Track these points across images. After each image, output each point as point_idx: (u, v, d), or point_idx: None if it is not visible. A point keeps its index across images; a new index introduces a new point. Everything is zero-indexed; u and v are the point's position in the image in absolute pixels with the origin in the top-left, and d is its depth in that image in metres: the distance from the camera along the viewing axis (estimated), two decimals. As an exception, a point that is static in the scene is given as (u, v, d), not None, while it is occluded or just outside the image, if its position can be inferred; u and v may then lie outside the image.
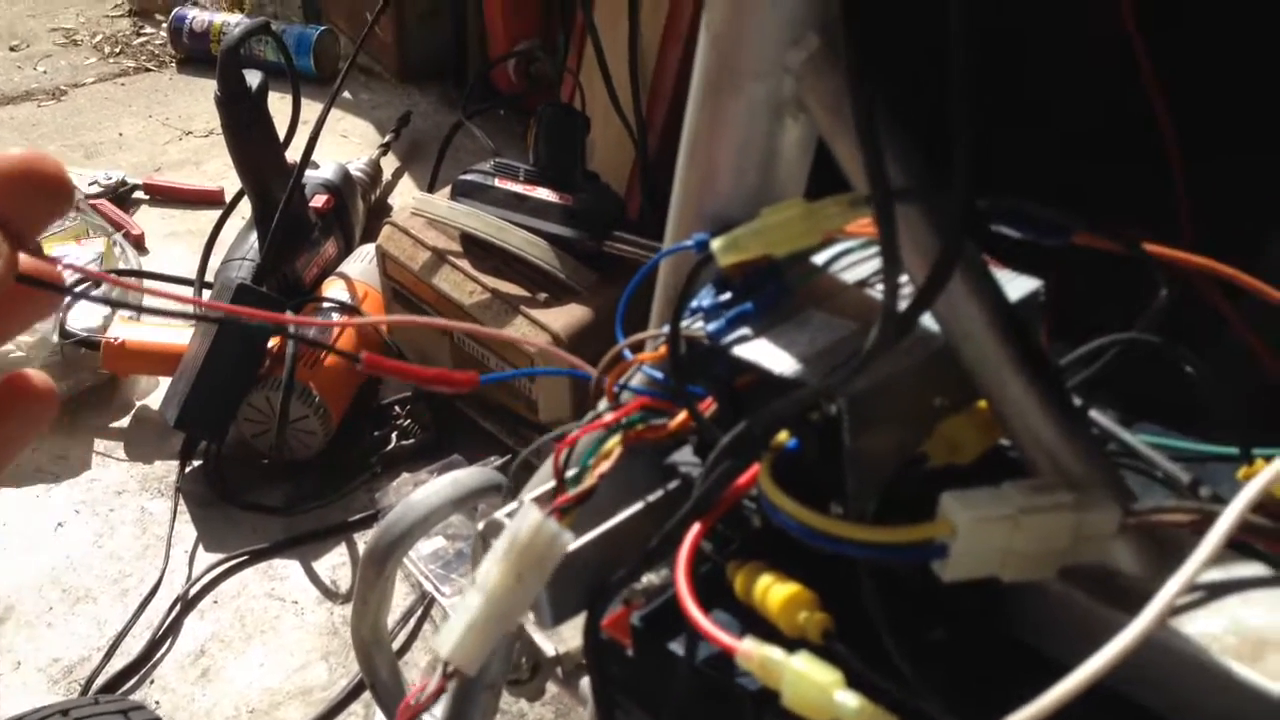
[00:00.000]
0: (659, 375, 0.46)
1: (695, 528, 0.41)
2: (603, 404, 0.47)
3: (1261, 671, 0.35)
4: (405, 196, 1.75)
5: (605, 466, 0.43)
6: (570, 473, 0.43)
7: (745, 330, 0.45)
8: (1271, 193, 1.18)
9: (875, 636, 0.40)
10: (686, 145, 0.48)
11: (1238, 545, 0.40)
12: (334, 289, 1.38)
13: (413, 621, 1.12)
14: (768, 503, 0.39)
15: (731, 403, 0.45)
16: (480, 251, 1.26)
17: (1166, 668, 0.37)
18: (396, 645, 1.08)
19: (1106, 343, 0.48)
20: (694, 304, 0.46)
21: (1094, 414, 0.48)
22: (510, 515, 0.45)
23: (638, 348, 0.47)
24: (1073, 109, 1.51)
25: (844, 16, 0.30)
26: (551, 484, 0.44)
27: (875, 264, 0.48)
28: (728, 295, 0.46)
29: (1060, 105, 1.50)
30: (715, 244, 0.43)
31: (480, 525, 0.46)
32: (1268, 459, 0.47)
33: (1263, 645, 0.36)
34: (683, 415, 0.44)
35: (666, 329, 0.45)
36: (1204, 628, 0.37)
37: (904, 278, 0.47)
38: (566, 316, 1.20)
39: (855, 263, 0.48)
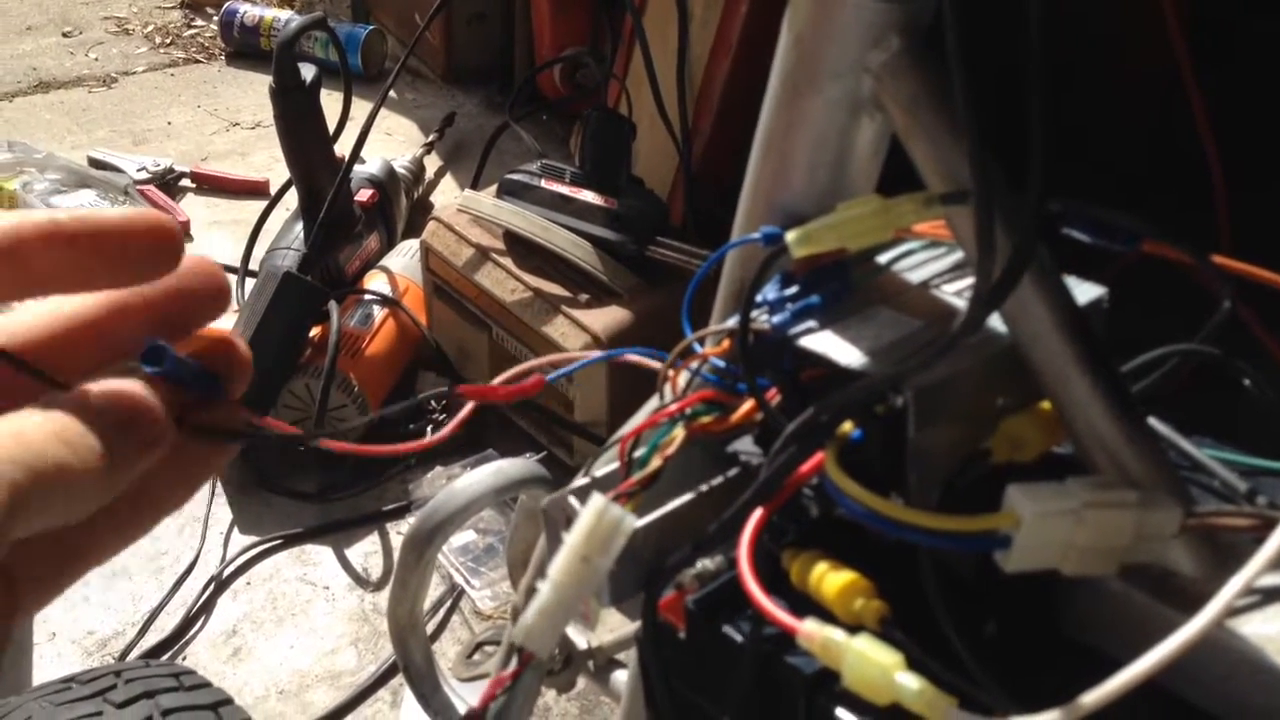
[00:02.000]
0: (723, 367, 0.47)
1: (758, 512, 0.42)
2: (668, 394, 0.48)
3: (1318, 674, 0.36)
4: (447, 195, 1.77)
5: (669, 453, 0.43)
6: (638, 455, 0.44)
7: (811, 323, 0.46)
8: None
9: (929, 629, 0.41)
10: (761, 140, 0.49)
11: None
12: (376, 282, 1.40)
13: (441, 612, 1.13)
14: (834, 488, 0.40)
15: (797, 394, 0.45)
16: (523, 250, 1.27)
17: (1222, 668, 0.38)
18: (427, 632, 1.09)
19: (1166, 353, 0.49)
20: (759, 298, 0.47)
21: (1152, 421, 0.48)
22: (574, 493, 0.46)
23: (701, 342, 0.48)
24: (1115, 139, 1.51)
25: (953, 15, 0.31)
26: (614, 466, 0.45)
27: (940, 265, 0.49)
28: (793, 289, 0.47)
29: (1102, 135, 1.51)
30: (790, 236, 0.44)
31: (544, 503, 0.47)
32: (1321, 474, 0.48)
33: (1320, 649, 0.37)
34: (746, 406, 0.45)
35: (732, 322, 0.46)
36: (1260, 630, 0.38)
37: (970, 279, 0.48)
38: (607, 318, 1.21)
39: (920, 263, 0.49)
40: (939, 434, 0.43)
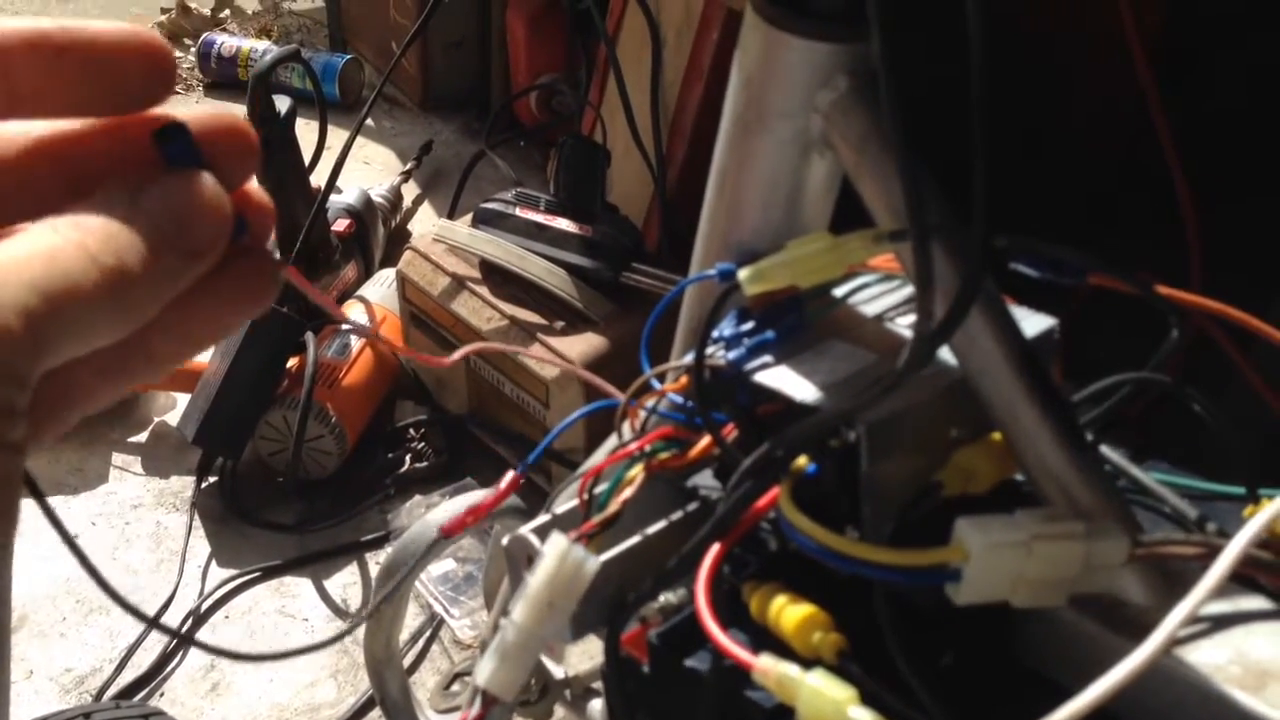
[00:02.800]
0: (681, 403, 0.48)
1: (716, 547, 0.43)
2: (626, 432, 0.48)
3: (1264, 701, 0.36)
4: (425, 223, 1.77)
5: (628, 493, 0.44)
6: (598, 492, 0.44)
7: (766, 359, 0.47)
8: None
9: (887, 660, 0.41)
10: (715, 178, 0.50)
11: (1243, 580, 0.42)
12: (353, 312, 1.40)
13: (421, 642, 1.13)
14: (787, 524, 0.40)
15: (753, 429, 0.46)
16: (499, 279, 1.27)
17: (1172, 696, 0.39)
18: (405, 665, 1.09)
19: (1117, 381, 0.50)
20: (716, 333, 0.48)
21: (1105, 450, 0.49)
22: (535, 531, 0.46)
23: (660, 378, 0.48)
24: (1084, 155, 1.53)
25: (884, 58, 0.32)
26: (574, 504, 0.45)
27: (893, 298, 0.50)
28: (749, 325, 0.47)
29: (1071, 152, 1.52)
30: (743, 274, 0.44)
31: (505, 541, 0.47)
32: (1272, 499, 0.48)
33: (1265, 675, 0.37)
34: (704, 443, 0.45)
35: (689, 358, 0.47)
36: (1209, 658, 0.38)
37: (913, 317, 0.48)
38: (583, 345, 1.22)
39: (874, 297, 0.50)
40: (893, 466, 0.44)
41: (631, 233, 1.30)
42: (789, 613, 0.43)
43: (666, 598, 0.49)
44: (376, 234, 1.60)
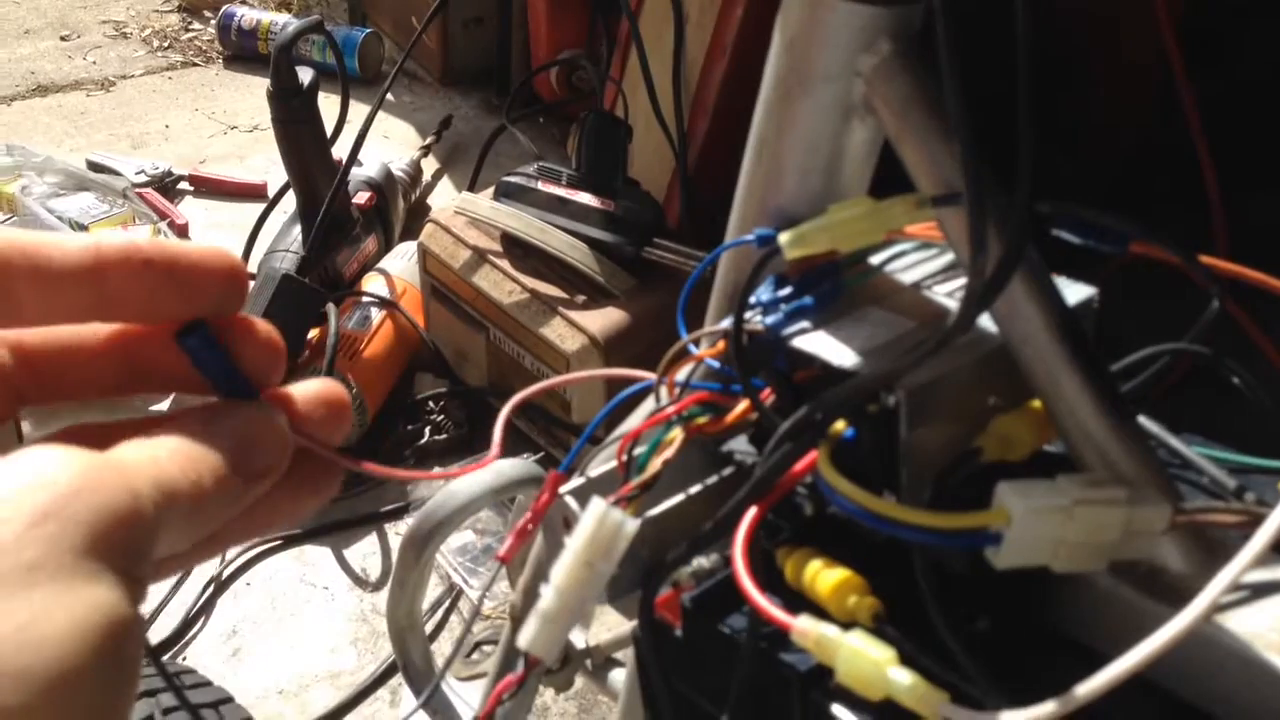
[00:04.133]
0: (718, 369, 0.48)
1: (753, 510, 0.43)
2: (664, 396, 0.48)
3: (1304, 667, 0.36)
4: (444, 198, 1.77)
5: (667, 455, 0.44)
6: (637, 455, 0.44)
7: (804, 324, 0.46)
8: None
9: (923, 625, 0.42)
10: (754, 143, 0.49)
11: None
12: (373, 284, 1.40)
13: (440, 612, 1.13)
14: (826, 486, 0.40)
15: (790, 394, 0.46)
16: (520, 252, 1.27)
17: (1211, 662, 0.39)
18: (426, 632, 1.09)
19: (1156, 352, 0.49)
20: (753, 299, 0.48)
21: (1142, 419, 0.49)
22: (572, 494, 0.46)
23: (697, 343, 0.48)
24: (1110, 137, 1.52)
25: (945, 20, 0.32)
26: (610, 465, 0.45)
27: (931, 266, 0.50)
28: (787, 290, 0.47)
29: (1095, 134, 1.51)
30: (783, 238, 0.44)
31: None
32: (1310, 473, 0.48)
33: (1306, 643, 0.37)
34: (741, 407, 0.45)
35: (725, 323, 0.47)
36: (1248, 624, 0.38)
37: (962, 280, 0.48)
38: (603, 319, 1.22)
39: (912, 265, 0.50)
40: (931, 432, 0.44)
41: (653, 208, 1.30)
42: (824, 576, 0.43)
43: (700, 562, 0.49)
44: (397, 207, 1.60)
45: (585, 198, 1.27)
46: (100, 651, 0.22)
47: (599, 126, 1.33)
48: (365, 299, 1.36)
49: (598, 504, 0.41)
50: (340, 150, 1.39)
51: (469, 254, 1.29)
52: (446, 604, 1.13)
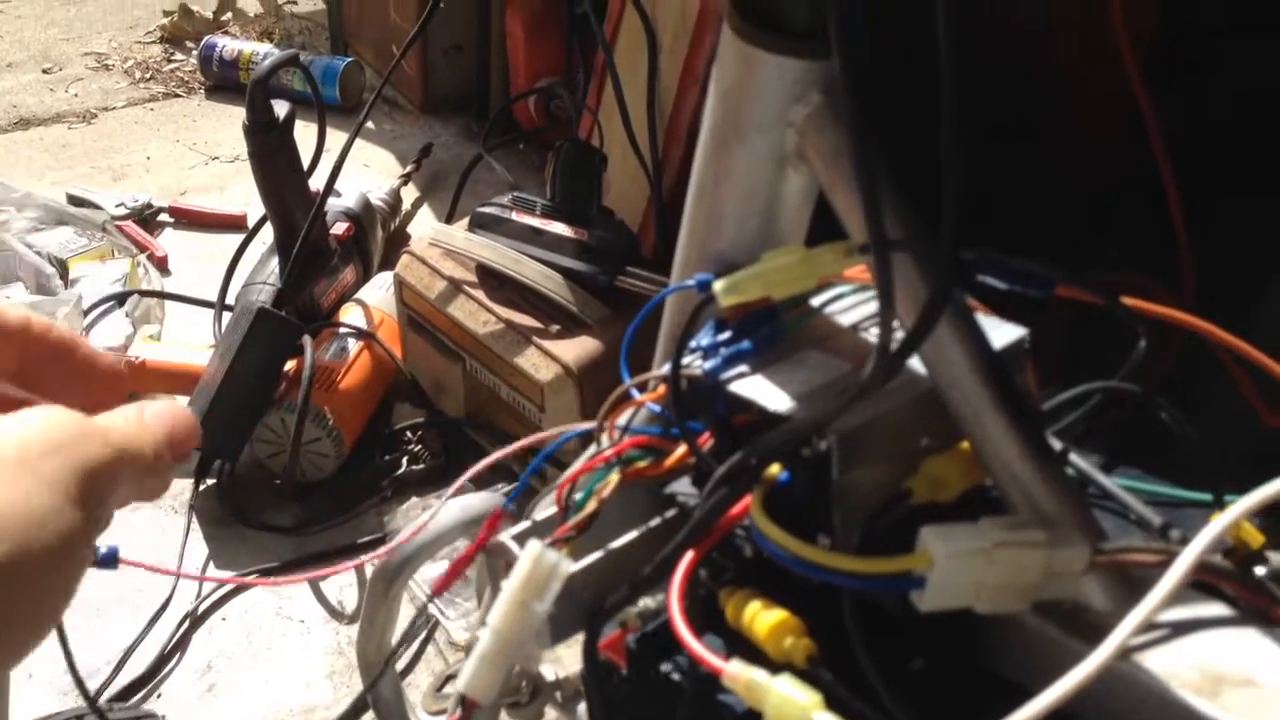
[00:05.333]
0: (659, 413, 0.49)
1: (689, 554, 0.44)
2: (604, 440, 0.49)
3: (1218, 706, 0.37)
4: (424, 226, 1.78)
5: (602, 499, 0.45)
6: (575, 500, 0.45)
7: (743, 368, 0.48)
8: (1273, 239, 1.21)
9: (858, 665, 0.42)
10: (694, 190, 0.51)
11: (1205, 587, 0.42)
12: (351, 315, 1.41)
13: (416, 643, 1.14)
14: (757, 531, 0.41)
15: (728, 438, 0.47)
16: (495, 283, 1.28)
17: (1131, 700, 0.39)
18: (400, 666, 1.10)
19: (1087, 390, 0.51)
20: (694, 343, 0.49)
21: (1074, 457, 0.50)
22: (515, 537, 0.47)
23: (641, 387, 0.49)
24: (1081, 155, 1.54)
25: (844, 73, 0.33)
26: (553, 510, 0.46)
27: (868, 308, 0.51)
28: (726, 335, 0.48)
29: (1068, 152, 1.53)
30: (717, 286, 0.45)
31: (488, 547, 0.48)
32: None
33: (1220, 681, 0.38)
34: (679, 451, 0.46)
35: (667, 368, 0.48)
36: (1167, 663, 0.39)
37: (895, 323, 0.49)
38: (578, 348, 1.23)
39: (849, 307, 0.51)
40: (864, 475, 0.45)
41: (627, 236, 1.31)
42: (762, 618, 0.44)
43: (645, 602, 0.50)
44: (375, 237, 1.61)
45: (559, 227, 1.28)
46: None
47: (573, 155, 1.34)
48: (342, 330, 1.37)
49: (533, 545, 0.42)
50: (319, 180, 1.40)
51: (444, 285, 1.30)
52: (423, 635, 1.14)
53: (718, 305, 0.48)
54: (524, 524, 0.49)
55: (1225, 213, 1.46)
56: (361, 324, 1.39)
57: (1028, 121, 1.50)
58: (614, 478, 0.45)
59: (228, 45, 2.16)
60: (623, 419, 0.49)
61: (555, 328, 1.24)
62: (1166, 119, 1.27)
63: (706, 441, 0.47)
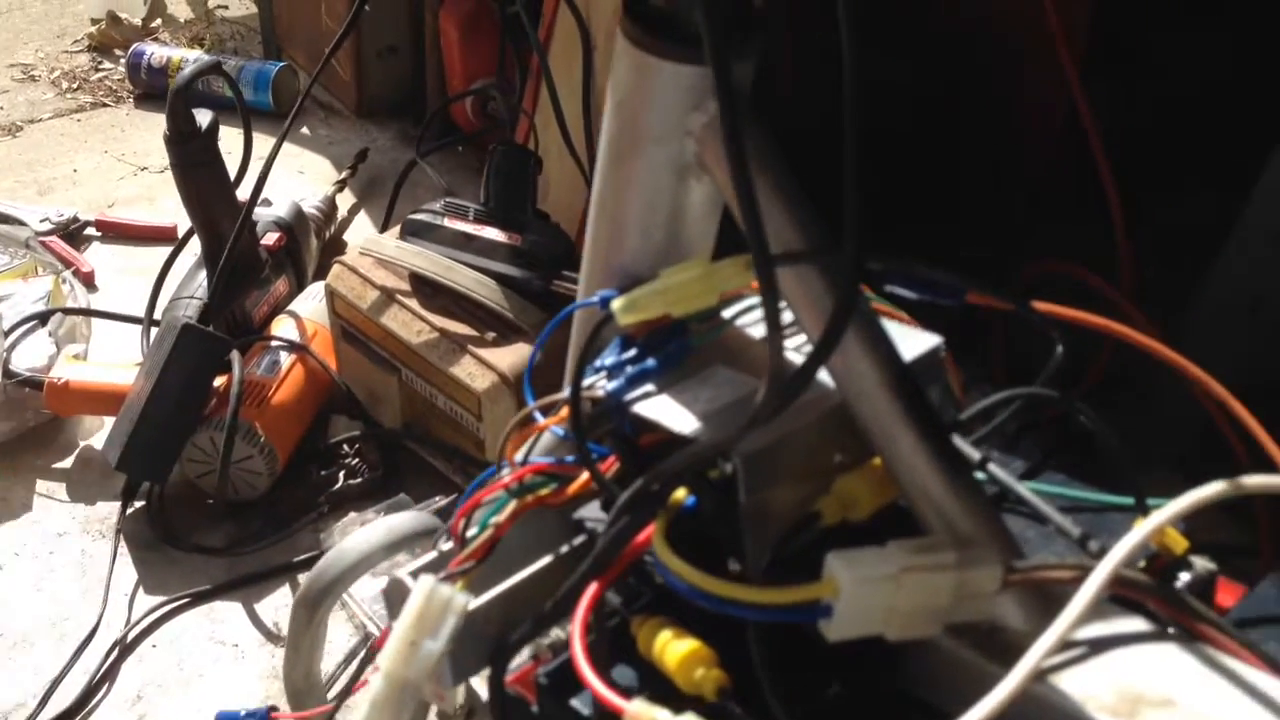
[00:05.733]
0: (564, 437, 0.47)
1: (592, 588, 0.42)
2: (506, 468, 0.47)
3: (1135, 729, 0.36)
4: (361, 233, 1.75)
5: (499, 530, 0.43)
6: (470, 534, 0.43)
7: (648, 387, 0.46)
8: (1209, 228, 1.21)
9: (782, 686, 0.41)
10: (595, 204, 0.49)
11: (1125, 600, 0.41)
12: (283, 327, 1.38)
13: (355, 663, 1.11)
14: (657, 562, 0.39)
15: (635, 462, 0.45)
16: (429, 291, 1.26)
17: (1047, 724, 0.38)
18: (340, 686, 1.07)
19: (1007, 396, 0.49)
20: (599, 362, 0.47)
21: (994, 468, 0.49)
22: (413, 572, 0.45)
23: (547, 410, 0.47)
24: (1020, 146, 1.53)
25: (720, 84, 0.31)
26: (450, 544, 0.44)
27: (783, 318, 0.49)
28: (632, 352, 0.46)
29: (1007, 143, 1.53)
30: (615, 304, 0.43)
31: (384, 586, 0.46)
32: (1160, 509, 0.48)
33: (1138, 702, 0.37)
34: (584, 477, 0.45)
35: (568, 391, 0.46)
36: (1084, 684, 0.38)
37: (803, 338, 0.48)
38: (514, 356, 1.20)
39: (759, 318, 0.49)
40: (775, 495, 0.43)
41: (563, 240, 1.29)
42: (672, 649, 0.43)
43: (558, 632, 0.48)
44: (309, 246, 1.57)
45: (492, 233, 1.26)
46: None
47: (507, 158, 1.32)
48: (274, 343, 1.34)
49: (425, 581, 0.40)
50: (254, 190, 1.36)
51: (377, 295, 1.27)
52: (362, 655, 1.11)
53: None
54: (430, 555, 0.47)
55: (1163, 200, 1.46)
56: (294, 336, 1.36)
57: (966, 114, 1.49)
58: (511, 507, 0.43)
59: (156, 52, 2.11)
60: (533, 444, 0.47)
61: (491, 335, 1.22)
62: (1103, 109, 1.27)
63: (611, 466, 0.45)
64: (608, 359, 0.46)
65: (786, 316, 0.49)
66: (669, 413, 0.44)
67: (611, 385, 0.45)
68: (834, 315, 0.37)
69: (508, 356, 1.20)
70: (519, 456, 0.47)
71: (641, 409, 0.44)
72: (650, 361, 0.45)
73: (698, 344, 0.46)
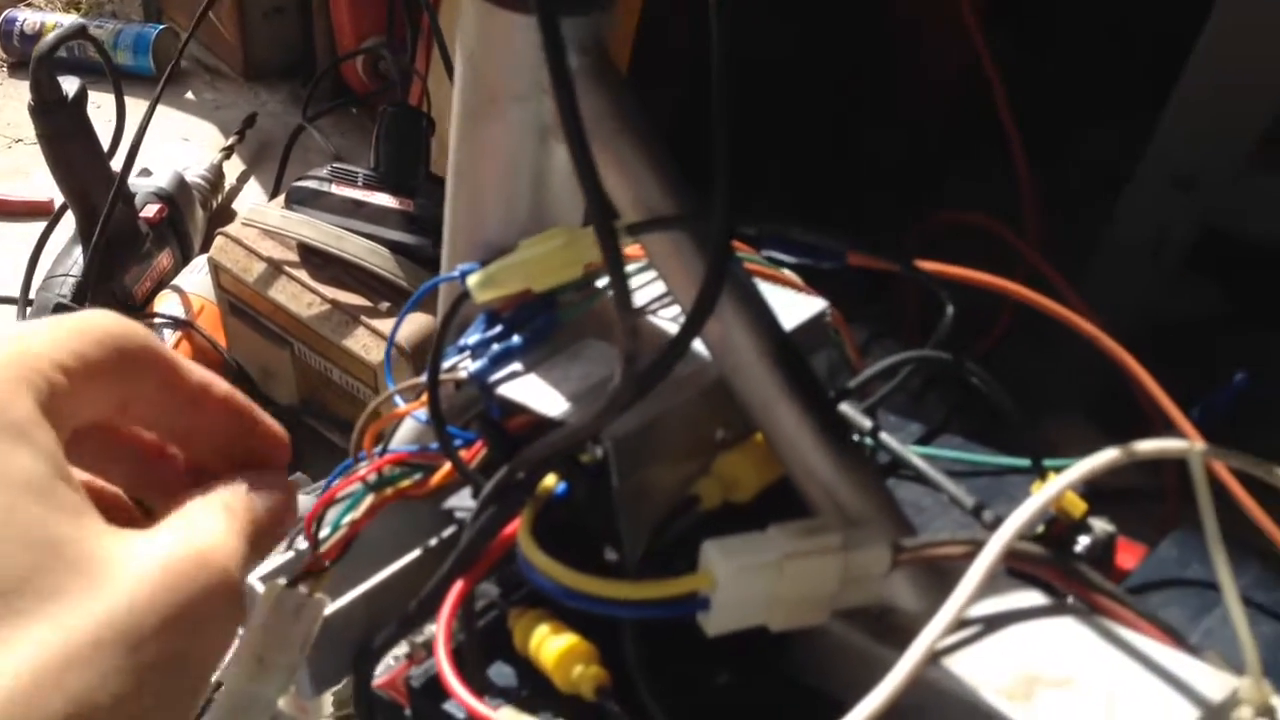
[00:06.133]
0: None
1: (457, 586, 0.39)
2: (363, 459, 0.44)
3: (1029, 712, 0.34)
4: (252, 201, 1.68)
5: (352, 530, 0.40)
6: (324, 534, 0.40)
7: (515, 366, 0.43)
8: (1114, 173, 1.21)
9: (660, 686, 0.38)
10: (453, 170, 0.45)
11: (1022, 572, 0.39)
12: (166, 303, 1.32)
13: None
14: (522, 559, 0.36)
15: (505, 447, 0.42)
16: (319, 261, 1.21)
17: (941, 709, 0.36)
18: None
19: (900, 360, 0.47)
20: (462, 341, 0.43)
21: (885, 436, 0.46)
22: (262, 578, 0.41)
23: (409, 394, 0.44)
24: (927, 98, 1.52)
25: (545, 32, 0.28)
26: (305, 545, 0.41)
27: (660, 287, 0.46)
28: (498, 329, 0.43)
29: (914, 96, 1.52)
30: (470, 281, 0.40)
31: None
32: (1057, 470, 0.46)
33: (1034, 682, 0.35)
34: (447, 467, 0.41)
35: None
36: (979, 666, 0.36)
37: (677, 309, 0.45)
38: (410, 326, 1.16)
39: (638, 287, 0.46)
40: (653, 478, 0.41)
41: (456, 204, 1.24)
42: (549, 645, 0.40)
43: (432, 630, 0.45)
44: (194, 217, 1.51)
45: (382, 199, 1.21)
46: None
47: (397, 121, 1.27)
48: (157, 320, 1.28)
49: (273, 587, 0.37)
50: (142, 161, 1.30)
51: (264, 267, 1.21)
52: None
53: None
54: (287, 555, 0.44)
55: (1068, 147, 1.46)
56: (178, 312, 1.30)
57: (870, 65, 1.48)
58: (368, 501, 0.39)
59: (29, 19, 2.00)
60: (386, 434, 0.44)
61: (385, 305, 1.17)
62: (1003, 56, 1.26)
63: (480, 452, 0.42)
64: (471, 337, 0.43)
65: (660, 287, 0.46)
66: (535, 393, 0.41)
67: (475, 366, 0.41)
68: (703, 287, 0.34)
69: (404, 327, 1.16)
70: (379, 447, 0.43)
71: (506, 390, 0.41)
72: (516, 339, 0.42)
73: (566, 318, 0.43)
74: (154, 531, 0.28)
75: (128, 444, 0.34)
